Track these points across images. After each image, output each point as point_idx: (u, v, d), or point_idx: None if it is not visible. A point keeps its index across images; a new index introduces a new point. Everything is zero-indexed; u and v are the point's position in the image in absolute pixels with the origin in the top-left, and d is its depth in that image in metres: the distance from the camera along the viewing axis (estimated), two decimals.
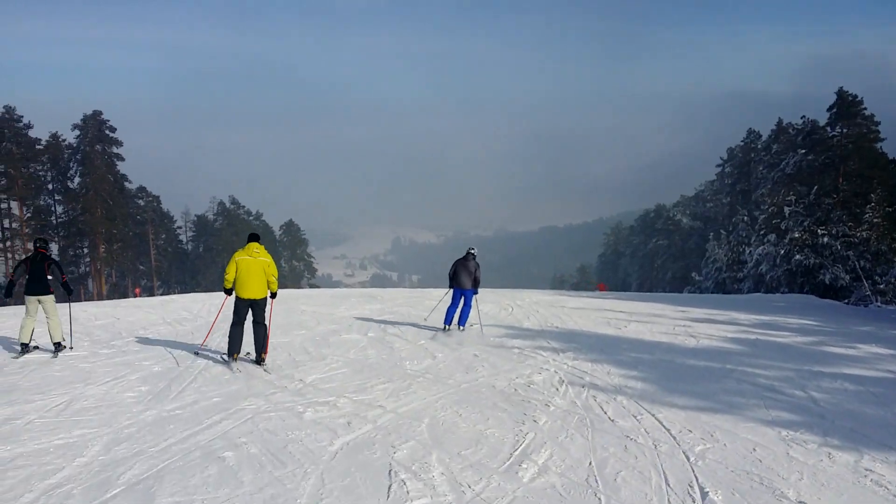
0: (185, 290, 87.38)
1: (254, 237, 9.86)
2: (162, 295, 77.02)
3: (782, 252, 33.25)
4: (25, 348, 10.36)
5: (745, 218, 42.25)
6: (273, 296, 9.80)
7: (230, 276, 9.41)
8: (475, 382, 8.53)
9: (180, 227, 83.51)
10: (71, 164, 60.29)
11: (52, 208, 60.43)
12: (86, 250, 62.00)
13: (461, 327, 13.25)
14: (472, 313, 13.58)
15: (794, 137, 47.54)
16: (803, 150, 40.68)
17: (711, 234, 50.11)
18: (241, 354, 9.84)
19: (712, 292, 44.05)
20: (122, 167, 62.90)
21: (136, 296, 28.37)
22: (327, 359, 10.10)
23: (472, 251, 13.56)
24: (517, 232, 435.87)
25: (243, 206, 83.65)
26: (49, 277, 10.41)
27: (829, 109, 41.23)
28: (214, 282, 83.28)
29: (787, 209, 33.11)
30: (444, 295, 15.64)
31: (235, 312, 9.56)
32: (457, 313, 13.29)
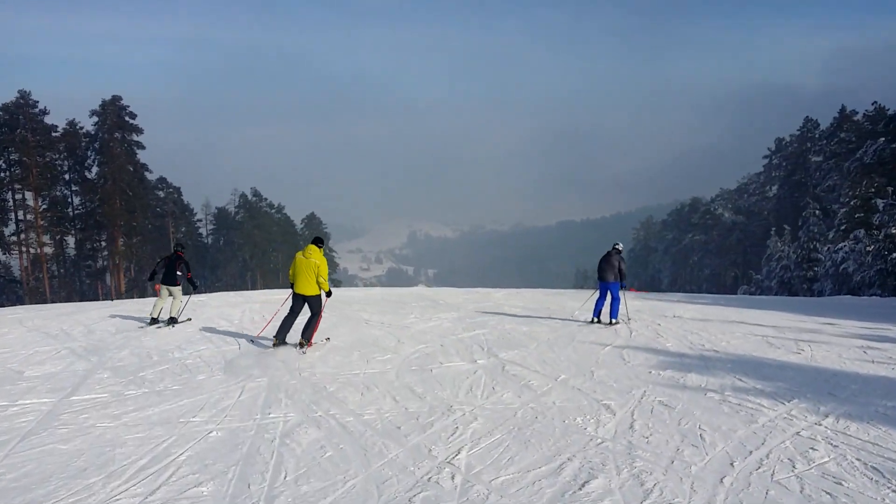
0: (205, 286, 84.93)
1: (316, 240, 10.99)
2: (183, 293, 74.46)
3: (872, 249, 29.78)
4: (154, 321, 13.59)
5: (817, 212, 38.68)
6: (328, 294, 10.86)
7: (290, 272, 10.76)
8: (744, 479, 5.22)
9: (200, 221, 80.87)
10: (89, 153, 57.38)
11: (69, 199, 57.46)
12: (103, 244, 59.08)
13: (612, 321, 13.45)
14: (622, 308, 14.17)
15: (862, 125, 43.91)
16: (885, 138, 36.98)
17: (773, 229, 46.59)
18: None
19: (776, 293, 40.56)
20: (142, 156, 60.02)
21: (156, 293, 25.91)
22: (454, 411, 6.96)
23: (618, 246, 13.81)
24: (535, 227, 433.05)
25: (265, 199, 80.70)
26: (178, 273, 13.66)
27: None
28: (235, 276, 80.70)
29: (880, 202, 29.59)
30: (590, 295, 16.62)
31: (291, 305, 10.87)
32: (605, 307, 13.67)
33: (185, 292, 14.25)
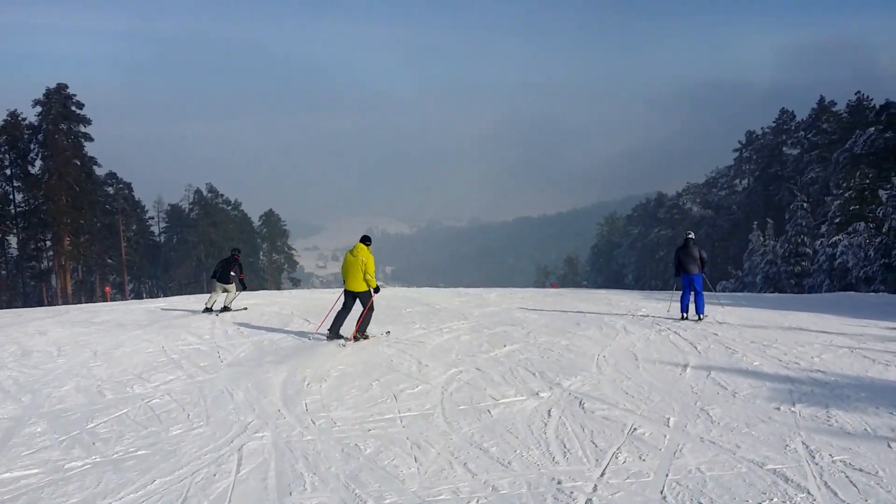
0: (157, 287, 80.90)
1: (364, 239, 11.41)
2: (135, 297, 70.93)
3: (875, 243, 28.42)
4: (207, 311, 15.42)
5: (805, 204, 37.38)
6: (375, 290, 11.23)
7: (342, 270, 11.30)
8: None
9: (152, 218, 77.02)
10: (32, 146, 53.40)
11: (10, 196, 53.38)
12: (48, 243, 55.09)
13: (700, 316, 12.81)
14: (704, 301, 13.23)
15: (842, 116, 42.92)
16: (875, 128, 35.80)
17: (756, 223, 45.30)
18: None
19: (762, 289, 39.26)
20: (90, 149, 55.96)
21: (105, 295, 23.92)
22: (569, 493, 4.66)
23: (690, 235, 13.33)
24: (492, 223, 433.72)
25: (222, 195, 77.06)
26: (232, 273, 15.33)
27: None
28: (190, 276, 77.02)
29: (883, 193, 28.23)
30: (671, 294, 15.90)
31: (343, 301, 11.25)
32: (691, 303, 12.96)
33: (238, 289, 15.98)
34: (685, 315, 12.88)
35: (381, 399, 7.30)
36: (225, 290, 15.35)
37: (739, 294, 25.19)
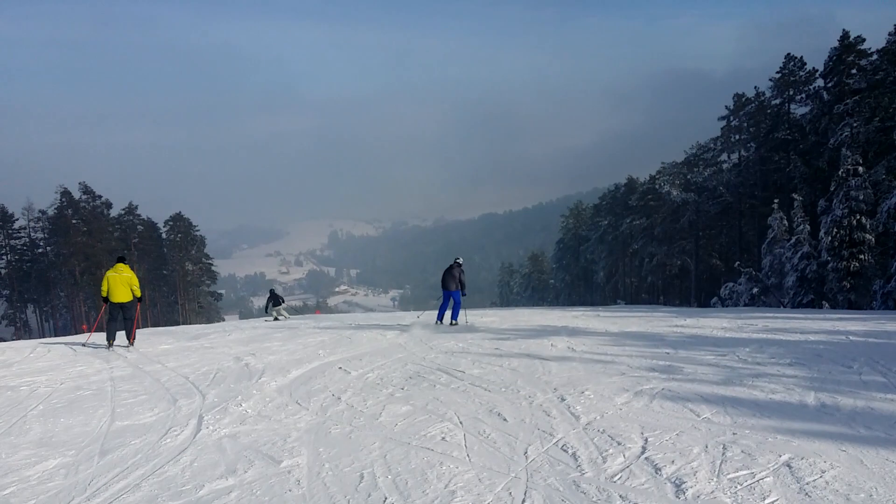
0: (40, 309, 66.72)
1: (120, 259, 13.43)
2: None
3: None
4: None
5: (860, 168, 24.67)
6: (139, 300, 13.39)
7: (104, 287, 12.93)
8: None
9: (23, 229, 62.62)
10: None
11: None
12: None
13: (453, 322, 15.16)
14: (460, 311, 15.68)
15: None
16: None
17: (776, 202, 32.69)
18: None
19: (799, 296, 26.85)
20: None
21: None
22: None
23: (458, 260, 15.86)
24: (457, 221, 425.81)
25: (100, 197, 62.61)
26: (281, 299, 25.12)
27: None
28: (71, 297, 62.81)
29: None
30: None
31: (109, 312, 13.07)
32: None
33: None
34: (439, 322, 15.47)
35: None
36: (280, 313, 24.48)
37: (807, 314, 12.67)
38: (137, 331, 15.35)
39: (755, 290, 29.97)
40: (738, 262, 34.04)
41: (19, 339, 62.89)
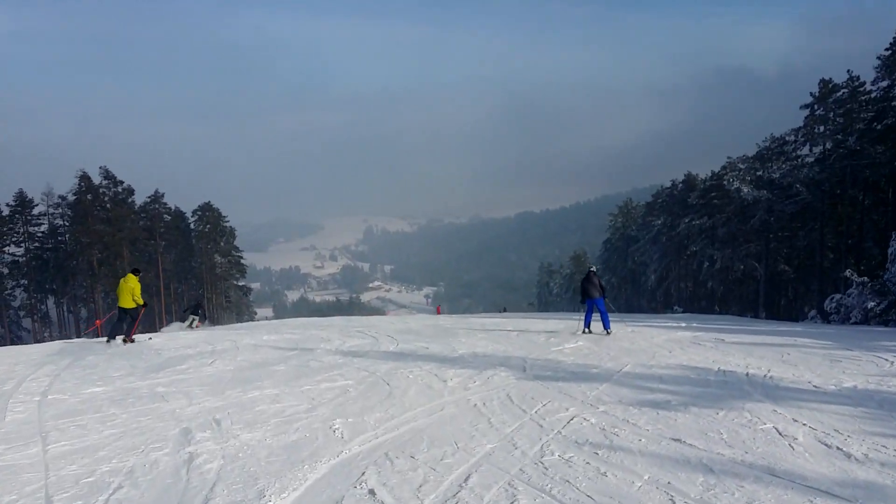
0: (58, 301, 63.40)
1: (134, 271, 15.49)
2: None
3: None
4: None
5: None
6: (143, 306, 15.32)
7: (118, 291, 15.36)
8: None
9: (42, 216, 59.03)
10: None
11: None
12: None
13: (607, 331, 14.30)
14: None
15: None
16: None
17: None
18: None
19: None
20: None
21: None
22: None
23: (593, 268, 15.51)
24: (493, 218, 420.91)
25: (121, 183, 58.73)
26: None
27: None
28: (88, 288, 59.19)
29: None
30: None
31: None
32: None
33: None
34: (587, 329, 14.81)
35: None
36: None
37: None
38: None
39: (870, 304, 24.65)
40: (847, 270, 28.56)
41: (39, 332, 59.91)
